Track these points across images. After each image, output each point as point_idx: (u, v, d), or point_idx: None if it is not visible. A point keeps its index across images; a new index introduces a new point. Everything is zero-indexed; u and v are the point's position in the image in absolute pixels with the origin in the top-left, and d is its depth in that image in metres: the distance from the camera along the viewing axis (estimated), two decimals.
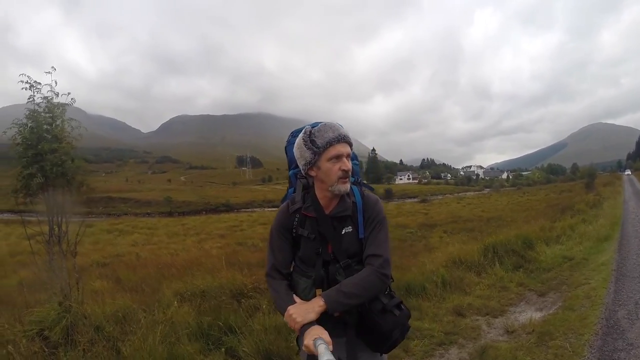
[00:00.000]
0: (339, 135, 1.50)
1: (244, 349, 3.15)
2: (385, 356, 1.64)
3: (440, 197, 64.17)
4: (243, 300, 4.10)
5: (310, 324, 1.37)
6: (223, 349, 3.17)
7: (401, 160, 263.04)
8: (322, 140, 1.49)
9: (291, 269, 1.63)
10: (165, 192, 72.18)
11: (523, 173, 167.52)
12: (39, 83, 3.17)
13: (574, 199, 19.65)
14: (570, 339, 3.30)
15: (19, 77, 3.08)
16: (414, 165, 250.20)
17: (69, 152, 3.46)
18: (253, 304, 3.96)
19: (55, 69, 3.40)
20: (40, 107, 3.20)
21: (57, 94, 3.36)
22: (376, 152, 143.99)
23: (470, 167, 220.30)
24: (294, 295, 1.52)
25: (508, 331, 3.64)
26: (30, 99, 3.17)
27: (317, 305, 1.41)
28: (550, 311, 4.09)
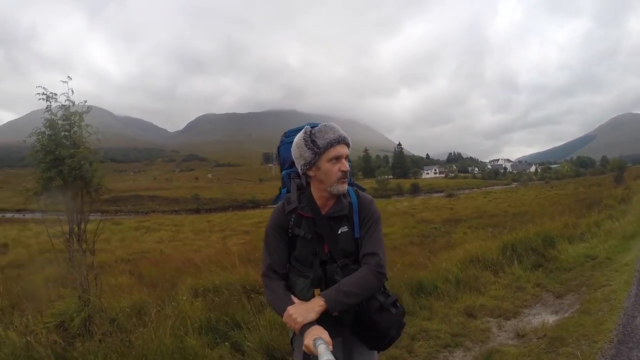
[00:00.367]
0: (340, 137, 1.53)
1: (248, 343, 3.24)
2: (376, 354, 1.67)
3: (467, 191, 63.07)
4: (253, 296, 4.21)
5: (310, 324, 1.39)
6: (228, 343, 3.26)
7: (427, 155, 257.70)
8: (322, 141, 1.51)
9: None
10: (193, 189, 74.28)
11: (552, 166, 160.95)
12: (55, 94, 3.38)
13: (602, 194, 18.75)
14: (583, 345, 3.13)
15: (37, 88, 3.30)
16: (441, 159, 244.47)
17: (87, 156, 3.67)
18: (262, 300, 4.06)
19: (71, 78, 3.61)
20: (56, 115, 3.41)
21: (73, 103, 3.57)
22: (402, 146, 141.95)
23: (497, 160, 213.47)
24: (292, 296, 1.53)
25: (519, 335, 3.51)
26: (48, 109, 3.39)
27: (317, 305, 1.43)
28: (566, 315, 3.91)
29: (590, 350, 3.04)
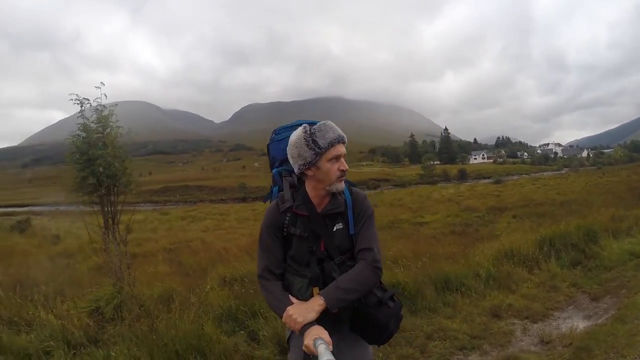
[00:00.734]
0: (339, 136, 1.53)
1: (264, 333, 3.36)
2: (371, 349, 1.68)
3: (515, 177, 60.03)
4: None
5: (310, 324, 1.39)
6: (244, 332, 3.40)
7: (475, 139, 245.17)
8: (323, 140, 1.50)
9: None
10: (240, 178, 77.05)
11: (604, 151, 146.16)
12: (87, 98, 3.68)
13: None
14: (610, 359, 2.83)
15: (70, 95, 3.62)
16: (489, 144, 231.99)
17: (119, 154, 3.98)
18: None
19: (104, 84, 3.92)
20: (88, 119, 3.72)
21: (104, 106, 3.87)
22: (449, 131, 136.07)
23: (547, 144, 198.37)
24: (290, 296, 1.53)
25: (543, 341, 3.25)
26: (81, 113, 3.70)
27: (317, 304, 1.43)
28: (599, 321, 3.56)
29: None
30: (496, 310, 3.87)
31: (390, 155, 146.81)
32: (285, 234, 1.58)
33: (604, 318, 3.63)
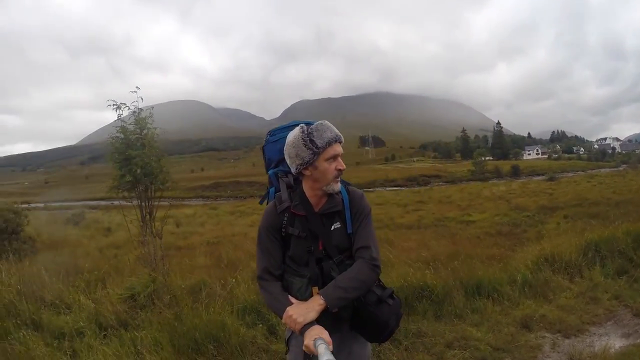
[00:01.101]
0: (337, 136, 1.55)
1: (283, 328, 3.46)
2: (369, 347, 1.70)
3: (570, 174, 55.45)
4: None
5: (310, 324, 1.40)
6: (262, 325, 3.51)
7: (529, 134, 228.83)
8: (321, 140, 1.51)
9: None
10: None
11: None
12: (124, 103, 4.02)
13: None
14: None
15: (108, 101, 3.98)
16: (544, 139, 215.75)
17: (157, 153, 4.30)
18: None
19: (139, 88, 4.25)
20: (125, 122, 4.06)
21: (140, 109, 4.20)
22: (502, 125, 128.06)
23: (605, 139, 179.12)
24: (289, 296, 1.54)
25: (572, 359, 2.98)
26: (119, 117, 4.06)
27: (316, 304, 1.44)
28: (638, 340, 3.19)
29: None
30: (527, 320, 3.61)
31: (442, 150, 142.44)
32: (283, 234, 1.59)
33: None
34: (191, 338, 2.99)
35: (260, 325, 3.53)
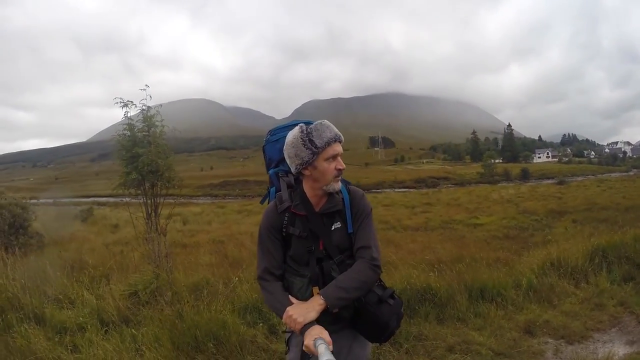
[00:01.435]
0: (336, 135, 1.55)
1: (283, 328, 3.46)
2: (369, 347, 1.69)
3: (580, 178, 55.07)
4: None
5: (310, 324, 1.40)
6: (263, 325, 3.51)
7: (540, 137, 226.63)
8: (320, 140, 1.51)
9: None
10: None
11: None
12: (131, 101, 4.06)
13: None
14: None
15: (115, 99, 4.02)
16: (554, 142, 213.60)
17: (165, 151, 4.33)
18: None
19: (148, 86, 4.29)
20: (132, 119, 4.10)
21: (149, 107, 4.24)
22: (512, 127, 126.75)
23: (616, 143, 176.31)
24: (290, 296, 1.55)
25: None
26: (125, 114, 4.10)
27: (316, 304, 1.45)
28: None
29: None
30: (530, 326, 3.57)
31: (452, 152, 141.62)
32: (284, 234, 1.59)
33: None
34: (191, 336, 3.01)
35: (261, 324, 3.54)
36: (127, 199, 4.48)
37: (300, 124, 1.56)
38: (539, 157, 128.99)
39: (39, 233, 8.34)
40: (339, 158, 1.54)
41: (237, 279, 4.33)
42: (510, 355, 3.13)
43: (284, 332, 1.74)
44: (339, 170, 1.54)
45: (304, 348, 1.36)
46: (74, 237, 10.54)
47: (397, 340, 3.27)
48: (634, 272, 4.63)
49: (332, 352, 1.22)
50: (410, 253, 7.01)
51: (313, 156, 1.50)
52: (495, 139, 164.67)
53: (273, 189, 1.75)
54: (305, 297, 1.53)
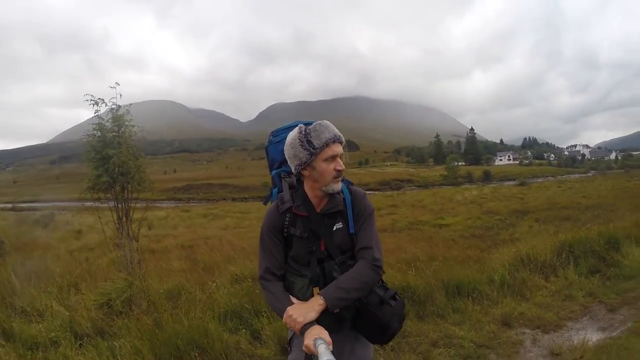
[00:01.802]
0: (335, 136, 1.53)
1: (267, 332, 3.39)
2: (371, 348, 1.67)
3: (540, 179, 58.72)
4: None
5: (310, 324, 1.39)
6: (245, 330, 3.43)
7: (501, 140, 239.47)
8: (318, 140, 1.50)
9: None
10: (264, 177, 77.78)
11: (633, 153, 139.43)
12: (102, 99, 3.83)
13: None
14: None
15: (85, 97, 3.78)
16: (515, 145, 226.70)
17: (134, 152, 4.11)
18: None
19: (119, 84, 4.06)
20: (103, 118, 3.87)
21: (118, 106, 4.01)
22: (475, 131, 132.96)
23: (575, 146, 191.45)
24: (290, 296, 1.54)
25: (553, 353, 3.09)
26: (96, 113, 3.85)
27: (317, 304, 1.44)
28: (614, 333, 3.36)
29: None
30: (507, 318, 3.74)
31: (415, 155, 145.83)
32: (285, 234, 1.58)
33: (619, 331, 3.43)
34: (173, 345, 2.88)
35: (244, 330, 3.47)
36: (95, 204, 4.20)
37: (300, 125, 1.56)
38: (501, 160, 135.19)
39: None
40: (338, 159, 1.53)
41: (214, 284, 4.20)
42: (491, 346, 3.26)
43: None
44: (338, 171, 1.52)
45: (303, 348, 1.35)
46: (36, 244, 9.80)
47: None
48: (600, 265, 4.98)
49: (333, 353, 1.22)
50: (384, 253, 7.12)
51: (311, 157, 1.49)
52: (458, 142, 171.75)
53: (275, 190, 1.74)
54: (306, 297, 1.52)
